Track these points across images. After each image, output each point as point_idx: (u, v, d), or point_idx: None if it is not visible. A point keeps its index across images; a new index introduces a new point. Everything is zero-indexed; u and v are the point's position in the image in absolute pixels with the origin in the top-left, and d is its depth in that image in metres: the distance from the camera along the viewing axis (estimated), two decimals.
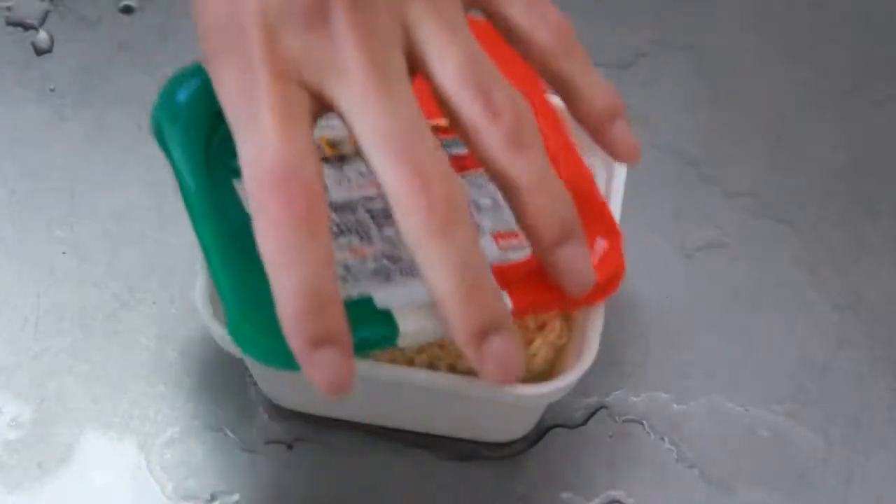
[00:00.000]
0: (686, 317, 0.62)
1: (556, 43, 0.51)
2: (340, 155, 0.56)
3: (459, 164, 0.55)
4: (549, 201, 0.49)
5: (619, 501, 0.58)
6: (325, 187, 0.51)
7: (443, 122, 0.53)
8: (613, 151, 0.53)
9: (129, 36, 0.69)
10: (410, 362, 0.55)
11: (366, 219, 0.54)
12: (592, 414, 0.60)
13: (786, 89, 0.70)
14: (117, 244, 0.63)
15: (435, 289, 0.47)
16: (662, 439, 0.59)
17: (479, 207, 0.55)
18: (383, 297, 0.52)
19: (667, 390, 0.60)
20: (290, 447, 0.58)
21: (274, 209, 0.46)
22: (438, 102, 0.50)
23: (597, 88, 0.52)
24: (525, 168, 0.49)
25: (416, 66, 0.50)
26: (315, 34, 0.48)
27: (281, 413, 0.59)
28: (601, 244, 0.54)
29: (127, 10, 0.70)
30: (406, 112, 0.48)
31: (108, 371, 0.59)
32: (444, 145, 0.53)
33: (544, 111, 0.57)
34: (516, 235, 0.54)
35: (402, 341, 0.51)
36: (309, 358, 0.47)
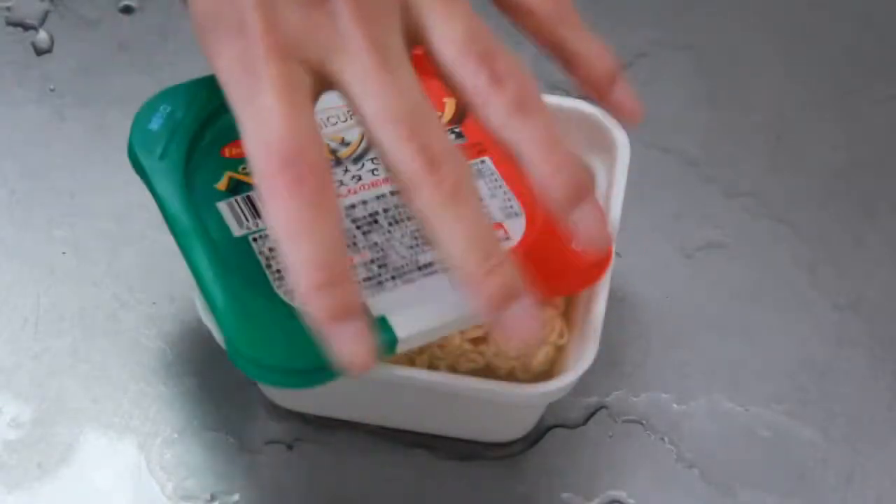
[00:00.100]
0: (686, 317, 0.62)
1: (554, 10, 0.52)
2: None
3: None
4: (562, 161, 0.49)
5: (619, 501, 0.58)
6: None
7: None
8: (618, 113, 0.53)
9: (129, 36, 0.69)
10: (411, 362, 0.55)
11: (350, 227, 0.54)
12: (592, 414, 0.60)
13: (786, 89, 0.70)
14: (117, 244, 0.63)
15: (451, 258, 0.48)
16: (662, 439, 0.59)
17: None
18: (378, 304, 0.52)
19: (667, 390, 0.60)
20: (290, 447, 0.58)
21: (283, 189, 0.47)
22: (441, 75, 0.50)
23: (596, 53, 0.52)
24: (535, 131, 0.49)
25: (416, 41, 0.50)
26: (315, 12, 0.48)
27: (281, 413, 0.59)
28: None
29: (127, 10, 0.70)
30: (410, 90, 0.48)
31: (108, 371, 0.59)
32: None
33: None
34: (501, 227, 0.54)
35: (401, 347, 0.51)
36: (333, 331, 0.47)
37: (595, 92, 0.53)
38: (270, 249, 0.53)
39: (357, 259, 0.53)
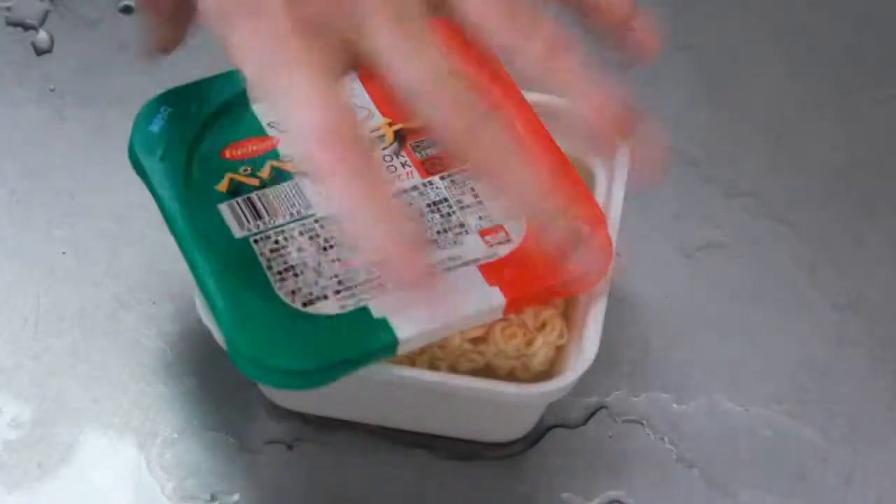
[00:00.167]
0: (686, 317, 0.62)
1: None
2: None
3: (437, 164, 0.55)
4: (605, 98, 0.51)
5: (619, 501, 0.58)
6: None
7: (411, 124, 0.54)
8: (641, 51, 0.54)
9: (129, 36, 0.69)
10: (411, 362, 0.55)
11: None
12: (592, 414, 0.60)
13: (786, 89, 0.69)
14: (117, 244, 0.63)
15: (521, 201, 0.50)
16: (662, 439, 0.59)
17: (462, 205, 0.55)
18: (379, 305, 0.52)
19: (667, 390, 0.60)
20: (289, 447, 0.58)
21: (330, 167, 0.47)
22: (469, 34, 0.51)
23: None
24: (572, 70, 0.51)
25: (437, 8, 0.50)
26: None
27: (281, 413, 0.59)
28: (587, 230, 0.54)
29: (127, 10, 0.70)
30: (438, 58, 0.49)
31: (108, 371, 0.59)
32: (422, 146, 0.54)
33: (523, 109, 0.57)
34: (502, 229, 0.54)
35: (402, 349, 0.51)
36: (422, 295, 0.48)
37: (615, 36, 0.54)
38: (271, 251, 0.53)
39: (359, 261, 0.53)
